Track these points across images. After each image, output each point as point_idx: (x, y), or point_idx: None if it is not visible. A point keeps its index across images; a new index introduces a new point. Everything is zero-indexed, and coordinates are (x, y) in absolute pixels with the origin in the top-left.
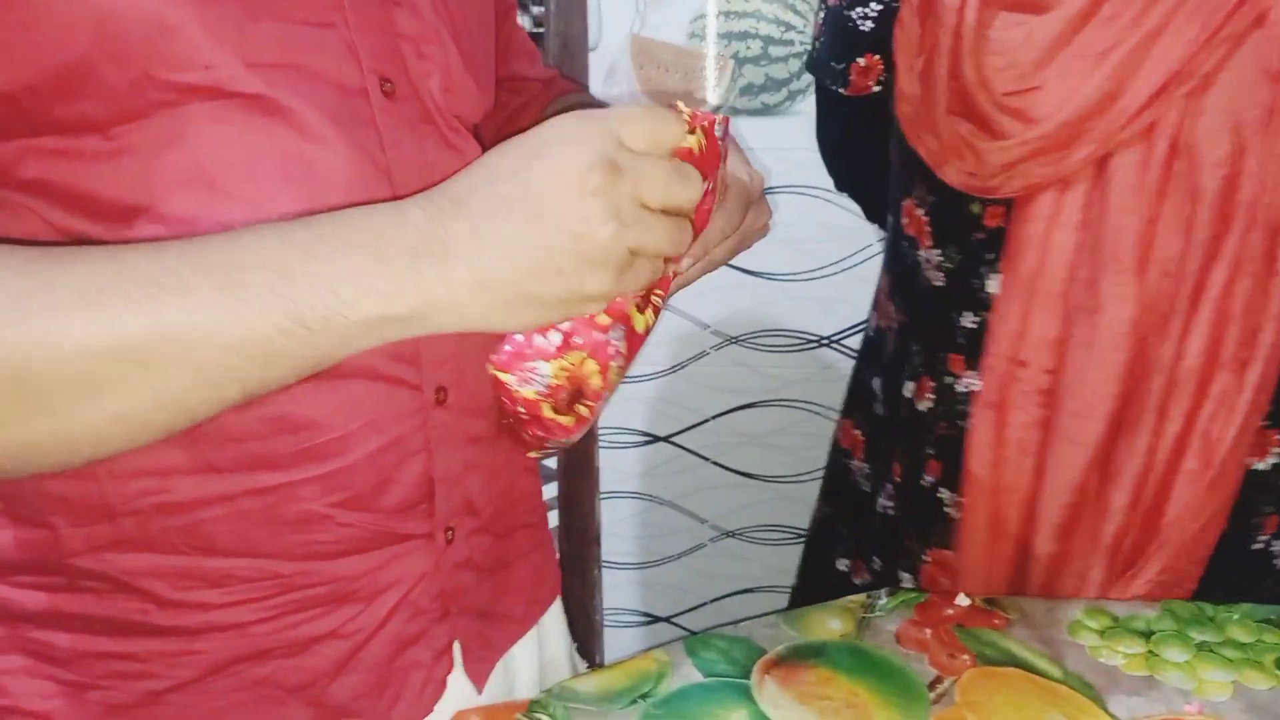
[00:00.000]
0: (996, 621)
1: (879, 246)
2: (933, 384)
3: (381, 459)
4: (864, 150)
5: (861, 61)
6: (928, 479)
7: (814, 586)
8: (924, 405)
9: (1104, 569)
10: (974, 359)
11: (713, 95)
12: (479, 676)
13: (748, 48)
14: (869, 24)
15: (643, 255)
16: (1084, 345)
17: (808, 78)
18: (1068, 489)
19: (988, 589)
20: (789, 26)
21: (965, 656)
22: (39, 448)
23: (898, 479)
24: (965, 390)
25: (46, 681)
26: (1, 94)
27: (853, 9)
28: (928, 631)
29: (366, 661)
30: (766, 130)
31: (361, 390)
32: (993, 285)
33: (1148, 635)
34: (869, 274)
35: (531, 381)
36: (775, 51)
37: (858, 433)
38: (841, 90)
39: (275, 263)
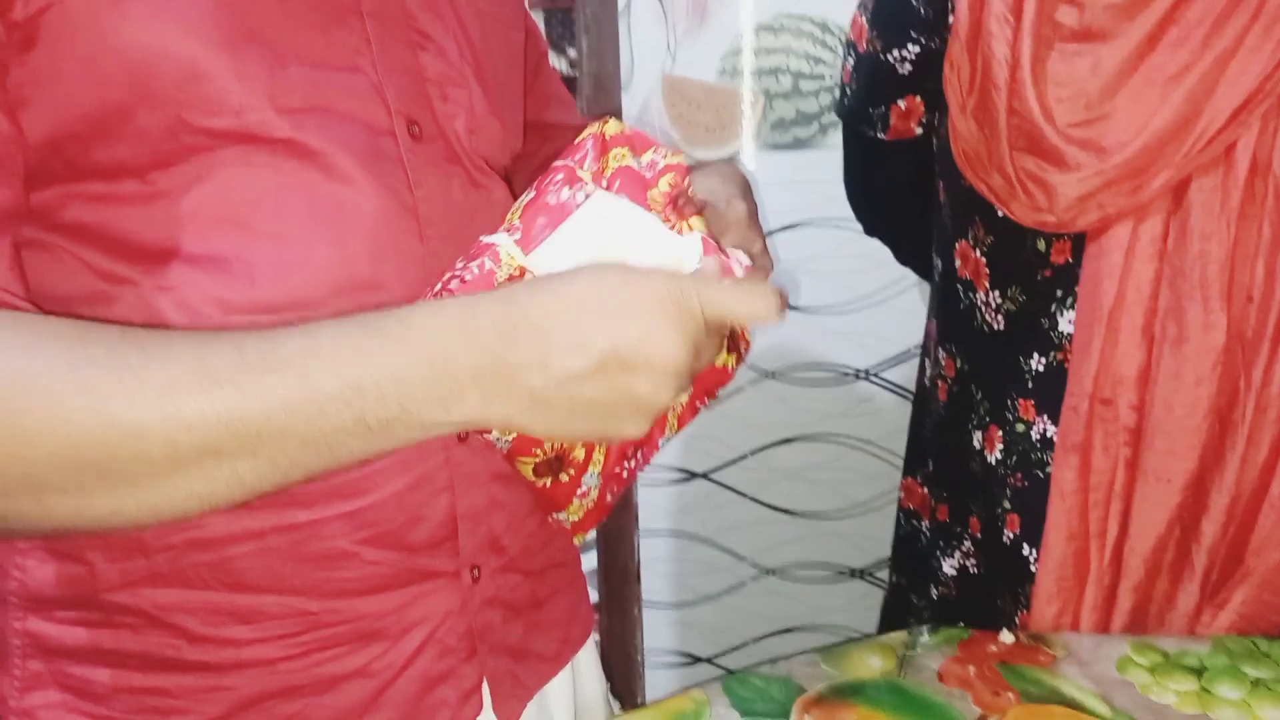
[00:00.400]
0: (1042, 658)
1: (915, 277)
2: (1001, 433)
3: (408, 496)
4: (899, 194)
5: (902, 105)
6: (1009, 534)
7: None
8: (994, 456)
9: (1191, 605)
10: (1045, 403)
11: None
12: (509, 716)
13: (778, 83)
14: (908, 67)
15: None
16: (1171, 378)
17: None
18: (1156, 531)
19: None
20: (819, 60)
21: (1010, 694)
22: (123, 515)
23: (978, 535)
24: (1038, 437)
25: (82, 717)
26: (44, 141)
27: (889, 52)
28: (971, 669)
29: (394, 700)
30: (799, 164)
31: None
32: (1064, 324)
33: (1200, 672)
34: (906, 305)
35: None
36: (806, 86)
37: (924, 490)
38: (880, 135)
39: (347, 373)
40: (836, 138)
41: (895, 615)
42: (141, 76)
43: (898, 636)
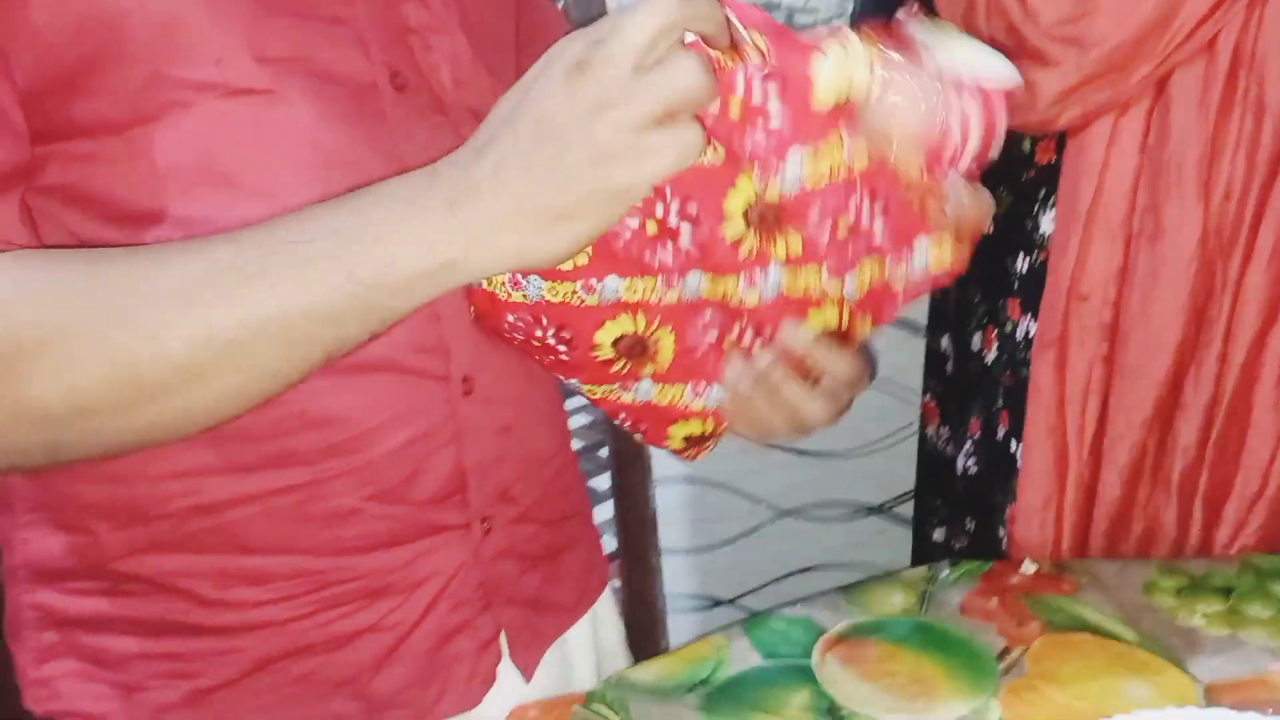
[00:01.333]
0: (1065, 587)
1: None
2: (996, 333)
3: (410, 451)
4: None
5: (900, 15)
6: (1000, 430)
7: (918, 560)
8: (990, 356)
9: (1176, 512)
10: (1029, 303)
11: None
12: (527, 666)
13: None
14: None
15: (658, 132)
16: (1148, 275)
17: None
18: (1136, 427)
19: (1051, 540)
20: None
21: (1034, 624)
22: (160, 426)
23: (977, 435)
24: (1023, 336)
25: (99, 685)
26: (23, 96)
27: None
28: (994, 601)
29: (409, 654)
30: None
31: (387, 383)
32: (1046, 224)
33: (1228, 592)
34: None
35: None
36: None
37: (932, 401)
38: None
39: (330, 231)
40: None
41: (920, 521)
42: (118, 26)
43: (918, 572)
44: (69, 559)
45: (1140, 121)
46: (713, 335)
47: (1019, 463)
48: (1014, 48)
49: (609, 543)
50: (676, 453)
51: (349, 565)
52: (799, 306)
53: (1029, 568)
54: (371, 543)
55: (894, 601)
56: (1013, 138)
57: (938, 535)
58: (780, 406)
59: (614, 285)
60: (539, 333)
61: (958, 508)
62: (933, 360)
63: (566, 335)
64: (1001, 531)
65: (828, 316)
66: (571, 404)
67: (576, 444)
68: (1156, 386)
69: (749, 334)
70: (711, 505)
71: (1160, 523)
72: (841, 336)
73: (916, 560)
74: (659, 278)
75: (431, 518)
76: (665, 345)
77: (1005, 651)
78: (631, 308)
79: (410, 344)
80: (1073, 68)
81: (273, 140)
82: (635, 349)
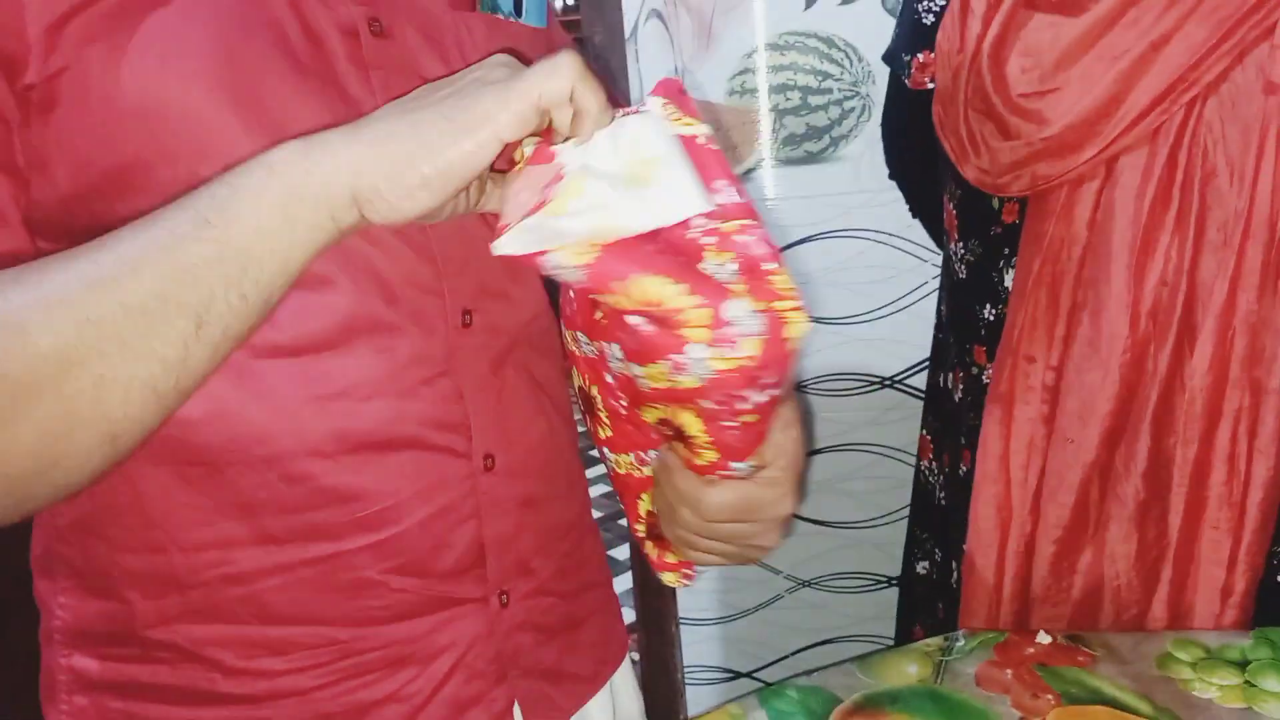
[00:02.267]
0: (1081, 659)
1: (934, 284)
2: (962, 374)
3: (433, 525)
4: (917, 141)
5: (920, 57)
6: (963, 468)
7: (905, 594)
8: (958, 395)
9: (1111, 586)
10: (993, 351)
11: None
12: None
13: (786, 99)
14: (930, 19)
15: (525, 74)
16: (1085, 345)
17: (849, 123)
18: (1069, 489)
19: (992, 582)
20: (826, 75)
21: (1050, 696)
22: (51, 433)
23: (946, 470)
24: (986, 380)
25: None
26: (68, 197)
27: (920, 1)
28: (1009, 672)
29: None
30: (812, 177)
31: (411, 460)
32: (1008, 279)
33: (1243, 665)
34: (926, 311)
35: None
36: (814, 101)
37: (925, 434)
38: (906, 81)
39: (184, 191)
40: (846, 150)
41: (910, 555)
42: (157, 133)
43: (933, 642)
44: (103, 625)
45: (1091, 197)
46: (624, 401)
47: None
48: (984, 111)
49: (628, 613)
50: (652, 565)
51: (371, 635)
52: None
53: (1044, 639)
54: (393, 614)
55: (909, 671)
56: (982, 193)
57: (921, 568)
58: (676, 494)
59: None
60: None
61: (937, 540)
62: (928, 396)
63: None
64: (954, 564)
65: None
66: (592, 473)
67: (596, 513)
68: (1086, 454)
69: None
70: (731, 575)
71: (1100, 591)
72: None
73: (903, 595)
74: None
75: (451, 590)
76: (601, 405)
77: None
78: (575, 360)
79: (434, 422)
80: (1024, 143)
81: None
82: (586, 403)
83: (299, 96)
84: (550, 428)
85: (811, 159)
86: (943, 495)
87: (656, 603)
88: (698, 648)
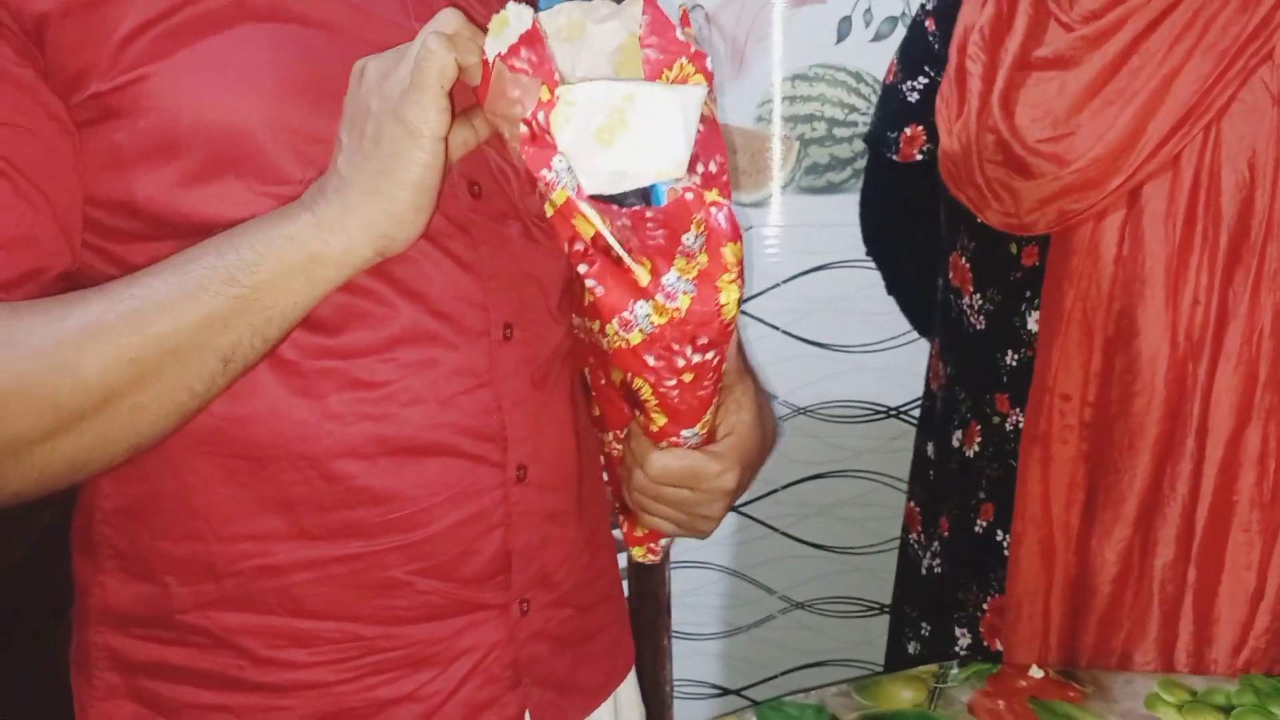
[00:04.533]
0: (1071, 694)
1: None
2: (980, 427)
3: (462, 531)
4: (902, 212)
5: (908, 131)
6: (981, 524)
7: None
8: (972, 451)
9: (1158, 609)
10: (1018, 396)
11: (778, 174)
12: None
13: (813, 129)
14: (915, 95)
15: (405, 63)
16: (1125, 374)
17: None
18: (1123, 524)
19: (1039, 631)
20: (852, 109)
21: None
22: (85, 449)
23: (945, 534)
24: (1011, 428)
25: None
26: (119, 200)
27: (905, 82)
28: (1001, 703)
29: None
30: (832, 207)
31: (446, 466)
32: (1032, 323)
33: (1228, 710)
34: None
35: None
36: (839, 133)
37: (913, 504)
38: (894, 157)
39: (211, 250)
40: None
41: (898, 632)
42: (216, 148)
43: (928, 669)
44: (139, 607)
45: (1116, 231)
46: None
47: (1003, 554)
48: (1002, 160)
49: None
50: (625, 539)
51: (395, 635)
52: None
53: (1036, 672)
54: (417, 615)
55: (904, 696)
56: (1000, 239)
57: (912, 648)
58: (631, 457)
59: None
60: None
61: (927, 614)
62: (916, 466)
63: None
64: (959, 631)
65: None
66: None
67: None
68: (1138, 482)
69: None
70: (726, 592)
71: (1147, 619)
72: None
73: (888, 660)
74: None
75: (474, 595)
76: (591, 382)
77: None
78: (580, 347)
79: (471, 431)
80: (1051, 180)
81: None
82: (586, 388)
83: None
84: (580, 444)
85: (833, 189)
86: (936, 564)
87: (651, 615)
88: (688, 662)
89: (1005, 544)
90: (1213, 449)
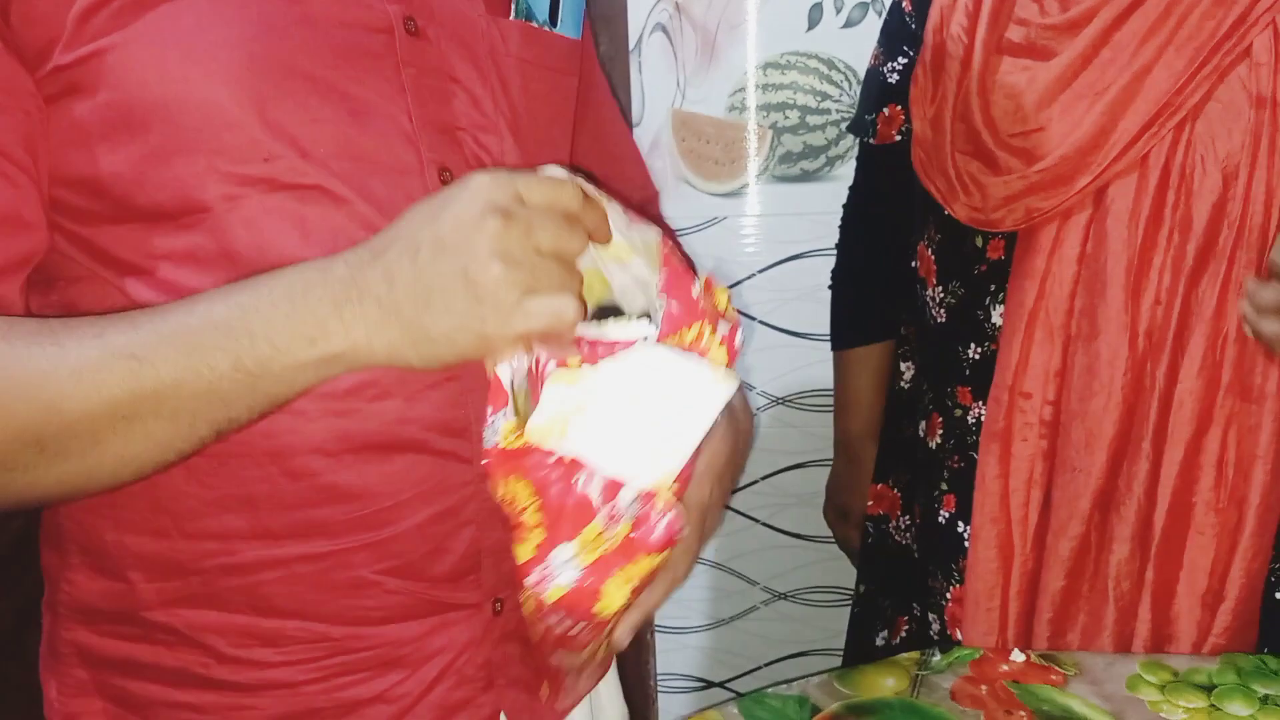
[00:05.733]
0: (1054, 677)
1: None
2: (941, 419)
3: (432, 529)
4: (872, 202)
5: (886, 112)
6: (944, 514)
7: (851, 654)
8: (934, 442)
9: (1114, 605)
10: (980, 390)
11: (751, 164)
12: None
13: (785, 118)
14: (895, 76)
15: (537, 297)
16: (1084, 374)
17: (845, 144)
18: (1077, 520)
19: (996, 624)
20: (825, 96)
21: (1022, 713)
22: (66, 483)
23: (917, 521)
24: (973, 421)
25: None
26: (84, 178)
27: (884, 65)
28: (983, 688)
29: None
30: (807, 196)
31: (413, 463)
32: (996, 317)
33: (1209, 689)
34: None
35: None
36: (813, 120)
37: (895, 491)
38: (871, 140)
39: (221, 323)
40: (842, 170)
41: (862, 625)
42: (175, 120)
43: (910, 656)
44: (106, 603)
45: (1080, 230)
46: None
47: (966, 542)
48: (972, 151)
49: None
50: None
51: (363, 635)
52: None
53: (1019, 656)
54: (387, 615)
55: (886, 684)
56: (966, 232)
57: (880, 640)
58: None
59: None
60: None
61: (918, 597)
62: (886, 452)
63: None
64: (931, 616)
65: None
66: None
67: None
68: (1094, 481)
69: None
70: (707, 585)
71: (1102, 614)
72: None
73: (849, 654)
74: None
75: (446, 595)
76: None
77: None
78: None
79: (439, 426)
80: (1018, 177)
81: (317, 233)
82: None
83: (323, 96)
84: None
85: (807, 177)
86: (914, 547)
87: None
88: (671, 656)
89: (966, 535)
90: (1172, 451)
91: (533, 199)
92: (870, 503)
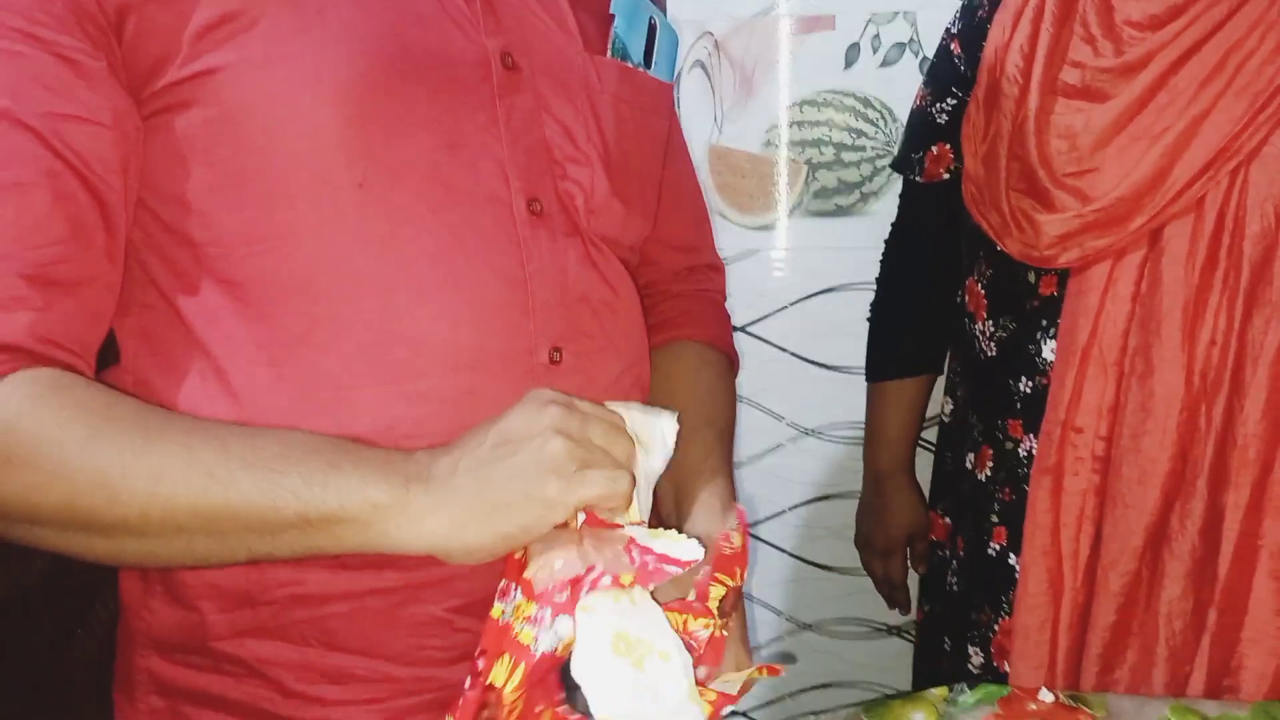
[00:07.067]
0: (1082, 718)
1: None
2: (992, 452)
3: (496, 566)
4: (919, 238)
5: (935, 150)
6: (995, 546)
7: (919, 677)
8: (984, 474)
9: (1167, 646)
10: (1031, 423)
11: (785, 198)
12: None
13: (820, 153)
14: (945, 117)
15: (595, 469)
16: (1139, 410)
17: (879, 180)
18: (1128, 555)
19: (1045, 658)
20: (860, 133)
21: None
22: (95, 554)
23: (961, 554)
24: (1025, 454)
25: None
26: (174, 195)
27: (933, 105)
28: None
29: None
30: (840, 230)
31: None
32: (1048, 352)
33: None
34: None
35: None
36: (847, 157)
37: (946, 520)
38: (918, 178)
39: (303, 471)
40: (876, 205)
41: (927, 648)
42: (279, 144)
43: (938, 692)
44: (180, 634)
45: (1135, 269)
46: None
47: (1015, 577)
48: (1026, 188)
49: None
50: None
51: (426, 676)
52: None
53: (1047, 696)
54: (452, 656)
55: (914, 719)
56: (1018, 268)
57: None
58: None
59: None
60: None
61: (941, 627)
62: (939, 480)
63: None
64: (971, 649)
65: None
66: None
67: None
68: (1146, 517)
69: None
70: None
71: (1153, 652)
72: None
73: (918, 678)
74: None
75: None
76: None
77: None
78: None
79: None
80: (1074, 215)
81: (401, 254)
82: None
83: (420, 124)
84: None
85: (840, 212)
86: (956, 580)
87: None
88: None
89: (1017, 568)
90: (1237, 494)
91: (584, 408)
92: (932, 528)
